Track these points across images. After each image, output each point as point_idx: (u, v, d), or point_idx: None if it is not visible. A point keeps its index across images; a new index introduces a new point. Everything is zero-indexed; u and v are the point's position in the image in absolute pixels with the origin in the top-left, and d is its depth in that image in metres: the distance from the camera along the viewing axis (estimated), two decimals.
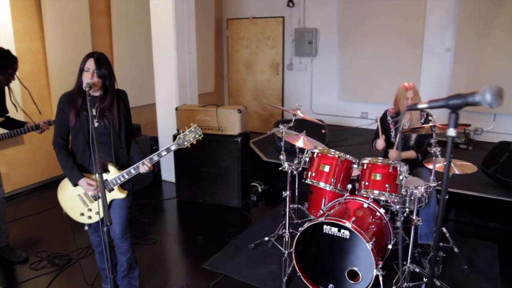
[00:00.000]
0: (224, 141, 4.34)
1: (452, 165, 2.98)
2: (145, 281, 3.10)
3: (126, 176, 2.54)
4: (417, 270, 2.88)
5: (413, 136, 3.54)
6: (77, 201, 2.60)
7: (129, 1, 5.76)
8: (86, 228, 2.65)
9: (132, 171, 2.53)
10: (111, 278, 2.33)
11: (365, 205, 3.03)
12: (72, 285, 3.09)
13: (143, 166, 2.51)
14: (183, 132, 2.50)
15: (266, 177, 5.07)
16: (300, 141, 3.36)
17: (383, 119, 3.73)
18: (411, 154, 3.44)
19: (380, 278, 2.73)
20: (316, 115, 6.86)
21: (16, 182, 4.77)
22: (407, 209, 3.06)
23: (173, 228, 4.20)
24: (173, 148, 2.49)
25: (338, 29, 6.66)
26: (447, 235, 3.23)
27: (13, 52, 4.38)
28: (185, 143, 2.49)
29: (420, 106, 1.15)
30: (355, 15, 6.45)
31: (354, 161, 3.06)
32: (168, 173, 5.20)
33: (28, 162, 4.85)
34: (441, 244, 3.20)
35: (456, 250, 3.19)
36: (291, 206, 3.75)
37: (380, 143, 3.49)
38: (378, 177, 2.87)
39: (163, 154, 2.50)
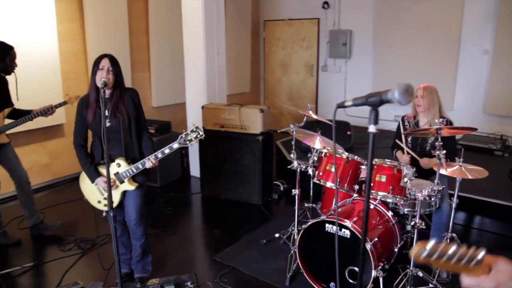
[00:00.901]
0: (246, 139, 4.47)
1: (463, 169, 2.91)
2: (158, 267, 3.29)
3: (135, 170, 2.74)
4: (421, 274, 2.85)
5: (429, 141, 3.46)
6: (95, 191, 2.85)
7: (166, 3, 6.04)
8: (104, 214, 2.89)
9: (140, 166, 2.73)
10: (117, 260, 2.54)
11: (372, 206, 3.04)
12: (92, 268, 3.34)
13: (148, 162, 2.70)
14: (186, 132, 2.66)
15: (290, 177, 5.13)
16: (317, 142, 3.41)
17: (401, 124, 3.66)
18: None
19: (380, 280, 2.74)
20: (349, 118, 6.80)
21: (56, 171, 5.18)
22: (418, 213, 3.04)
23: (193, 221, 4.38)
24: (175, 146, 2.67)
25: (372, 31, 6.59)
26: (458, 241, 3.15)
27: (57, 52, 4.80)
28: (187, 142, 2.65)
29: (347, 103, 1.20)
30: (390, 16, 6.35)
31: (362, 162, 3.07)
32: (196, 169, 5.41)
33: (68, 153, 5.23)
34: None
35: None
36: (306, 205, 3.82)
37: (405, 159, 3.37)
38: (383, 179, 2.87)
39: (166, 151, 2.68)
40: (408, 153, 3.34)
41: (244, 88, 7.78)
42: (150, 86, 6.24)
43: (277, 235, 3.65)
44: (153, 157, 2.70)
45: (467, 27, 5.77)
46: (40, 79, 4.65)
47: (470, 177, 2.91)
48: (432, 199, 3.06)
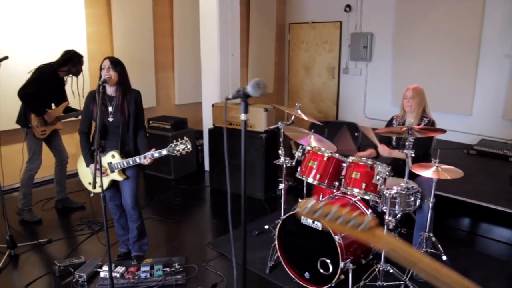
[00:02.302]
0: (251, 136, 4.70)
1: (439, 170, 2.98)
2: (153, 249, 3.60)
3: (126, 165, 3.06)
4: (391, 270, 2.95)
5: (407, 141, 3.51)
6: (88, 173, 3.21)
7: (190, 7, 6.38)
8: (91, 195, 3.29)
9: (131, 162, 3.04)
10: (107, 236, 2.86)
11: (351, 203, 3.18)
12: (97, 246, 3.70)
13: (145, 159, 2.99)
14: (175, 142, 2.92)
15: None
16: (312, 141, 3.55)
17: (389, 125, 3.75)
18: (402, 155, 3.41)
19: (350, 272, 2.87)
20: (369, 120, 6.86)
21: None
22: (397, 212, 3.14)
23: (197, 211, 4.67)
24: (163, 152, 2.95)
25: (392, 34, 6.59)
26: (433, 240, 3.21)
27: (85, 52, 5.27)
28: (175, 151, 2.90)
29: (229, 96, 1.39)
30: (410, 19, 6.33)
31: (342, 159, 3.20)
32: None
33: None
34: (429, 250, 3.19)
35: (444, 257, 3.15)
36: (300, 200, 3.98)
37: (383, 150, 3.47)
38: (357, 176, 3.00)
39: (155, 155, 2.97)
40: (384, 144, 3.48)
41: (268, 89, 7.99)
42: (174, 85, 6.62)
43: (266, 226, 3.85)
44: (149, 155, 2.99)
45: (487, 31, 5.66)
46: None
47: (448, 177, 2.98)
48: (411, 198, 3.15)
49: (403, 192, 2.96)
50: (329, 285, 2.89)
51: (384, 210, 3.21)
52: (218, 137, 4.98)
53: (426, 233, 3.15)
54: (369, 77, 7.10)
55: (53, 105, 4.21)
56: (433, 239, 3.18)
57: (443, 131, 2.93)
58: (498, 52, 5.64)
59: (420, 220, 3.33)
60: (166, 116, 5.91)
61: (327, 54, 7.55)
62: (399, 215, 3.23)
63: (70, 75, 4.17)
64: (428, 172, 2.99)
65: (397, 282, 2.95)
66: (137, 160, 3.01)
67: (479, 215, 4.03)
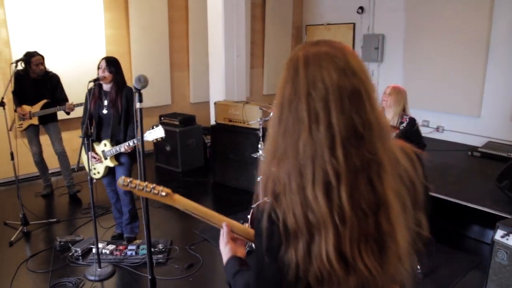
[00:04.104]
0: (248, 133, 4.97)
1: None
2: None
3: (114, 152, 3.43)
4: None
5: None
6: (86, 161, 3.60)
7: (205, 10, 6.73)
8: (94, 181, 3.64)
9: (118, 149, 3.40)
10: (94, 215, 3.24)
11: None
12: (99, 229, 4.12)
13: (124, 147, 3.35)
14: (149, 129, 3.20)
15: None
16: None
17: None
18: None
19: None
20: None
21: None
22: None
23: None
24: (136, 141, 3.23)
25: (403, 35, 6.63)
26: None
27: (104, 54, 5.74)
28: (149, 138, 3.18)
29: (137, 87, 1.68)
30: (420, 20, 6.35)
31: None
32: None
33: None
34: None
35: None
36: None
37: None
38: None
39: (131, 144, 3.29)
40: None
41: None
42: (189, 84, 7.02)
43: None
44: (127, 144, 3.33)
45: (496, 32, 5.60)
46: (87, 77, 5.60)
47: None
48: None
49: None
50: None
51: None
52: (219, 133, 5.29)
53: None
54: (380, 78, 7.16)
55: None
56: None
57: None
58: (507, 54, 5.56)
59: None
60: (177, 113, 6.31)
61: None
62: None
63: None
64: None
65: None
66: (119, 149, 3.37)
67: (463, 215, 4.07)
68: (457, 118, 6.19)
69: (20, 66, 4.30)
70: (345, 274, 0.87)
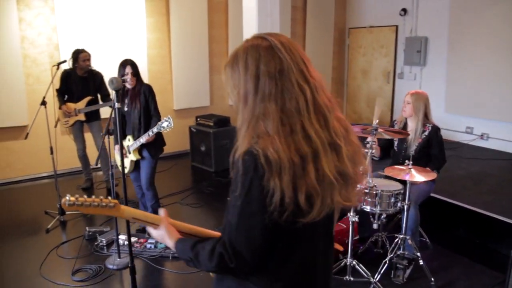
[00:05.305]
0: None
1: (413, 172, 3.03)
2: None
3: (136, 145, 3.62)
4: (357, 267, 3.08)
5: (413, 147, 3.52)
6: (117, 156, 3.84)
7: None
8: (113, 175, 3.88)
9: (138, 142, 3.59)
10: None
11: None
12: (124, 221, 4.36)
13: (144, 138, 3.53)
14: (162, 121, 3.35)
15: None
16: None
17: (391, 124, 3.79)
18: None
19: None
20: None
21: None
22: (378, 211, 3.25)
23: (222, 200, 5.08)
24: (154, 130, 3.39)
25: (447, 38, 6.33)
26: (409, 244, 3.22)
27: (145, 57, 6.06)
28: (161, 128, 3.32)
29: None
30: (465, 22, 6.03)
31: None
32: None
33: None
34: (406, 253, 3.21)
35: (421, 262, 3.15)
36: None
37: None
38: None
39: (150, 133, 3.46)
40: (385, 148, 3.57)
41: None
42: None
43: None
44: (146, 135, 3.53)
45: None
46: None
47: (420, 180, 3.02)
48: (391, 200, 3.23)
49: (385, 193, 3.07)
50: None
51: (363, 209, 3.34)
52: None
53: (402, 235, 3.19)
54: (423, 82, 6.89)
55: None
56: (410, 242, 3.20)
57: (407, 134, 2.98)
58: None
59: (408, 224, 3.33)
60: (213, 114, 6.49)
61: (383, 59, 7.47)
62: (383, 216, 3.33)
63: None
64: (402, 176, 3.04)
65: (365, 279, 3.06)
66: (139, 141, 3.56)
67: (493, 228, 3.84)
68: (503, 125, 5.81)
69: (68, 65, 4.71)
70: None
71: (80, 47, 4.85)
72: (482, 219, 3.78)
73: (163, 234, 1.28)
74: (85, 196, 1.24)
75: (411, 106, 3.51)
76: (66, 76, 4.85)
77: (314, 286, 1.22)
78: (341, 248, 3.22)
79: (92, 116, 5.03)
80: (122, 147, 3.62)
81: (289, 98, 1.07)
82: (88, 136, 5.17)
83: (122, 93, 3.69)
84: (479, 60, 5.92)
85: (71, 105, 4.88)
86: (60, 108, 4.87)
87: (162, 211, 1.34)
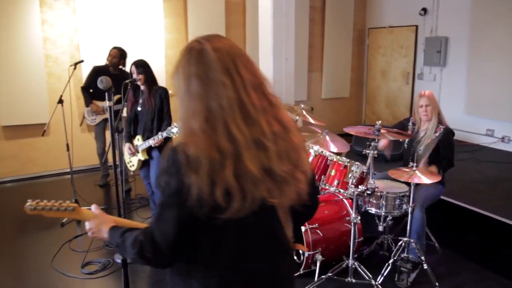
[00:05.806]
0: None
1: (418, 174, 2.98)
2: None
3: (145, 146, 3.71)
4: (359, 269, 3.06)
5: (422, 148, 3.46)
6: (126, 154, 3.94)
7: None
8: (131, 173, 3.98)
9: (147, 143, 3.67)
10: (118, 205, 3.55)
11: (336, 199, 3.35)
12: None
13: (153, 141, 3.62)
14: (172, 126, 3.44)
15: None
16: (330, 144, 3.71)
17: (406, 122, 3.72)
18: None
19: (318, 263, 3.09)
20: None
21: None
22: (382, 213, 3.23)
23: None
24: (164, 134, 3.48)
25: (467, 38, 6.17)
26: (411, 248, 3.17)
27: (163, 57, 6.16)
28: (170, 134, 3.41)
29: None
30: (486, 22, 5.87)
31: (330, 158, 3.37)
32: None
33: None
34: (410, 256, 3.16)
35: (425, 266, 3.10)
36: None
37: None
38: (333, 173, 3.17)
39: (159, 137, 3.54)
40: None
41: (343, 93, 8.09)
42: None
43: None
44: (156, 137, 3.60)
45: None
46: None
47: (425, 181, 2.97)
48: (396, 202, 3.19)
49: (390, 195, 3.05)
50: (298, 273, 3.14)
51: (368, 210, 3.32)
52: None
53: (405, 239, 3.15)
54: (443, 83, 6.74)
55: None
56: (413, 245, 3.15)
57: (410, 136, 2.94)
58: None
59: (413, 228, 3.28)
60: None
61: (402, 59, 7.35)
62: (388, 219, 3.30)
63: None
64: (407, 177, 3.01)
65: (367, 281, 3.04)
66: (148, 143, 3.64)
67: (506, 234, 3.73)
68: None
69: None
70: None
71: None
72: (495, 224, 3.68)
73: (97, 222, 1.35)
74: (45, 201, 1.32)
75: (431, 108, 3.42)
76: (98, 72, 4.82)
77: (253, 283, 1.24)
78: (305, 249, 3.18)
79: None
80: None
81: (214, 97, 1.12)
82: (108, 135, 5.33)
83: (136, 92, 3.77)
84: (500, 61, 5.75)
85: (99, 103, 5.01)
86: (87, 106, 5.00)
87: (93, 207, 1.42)
